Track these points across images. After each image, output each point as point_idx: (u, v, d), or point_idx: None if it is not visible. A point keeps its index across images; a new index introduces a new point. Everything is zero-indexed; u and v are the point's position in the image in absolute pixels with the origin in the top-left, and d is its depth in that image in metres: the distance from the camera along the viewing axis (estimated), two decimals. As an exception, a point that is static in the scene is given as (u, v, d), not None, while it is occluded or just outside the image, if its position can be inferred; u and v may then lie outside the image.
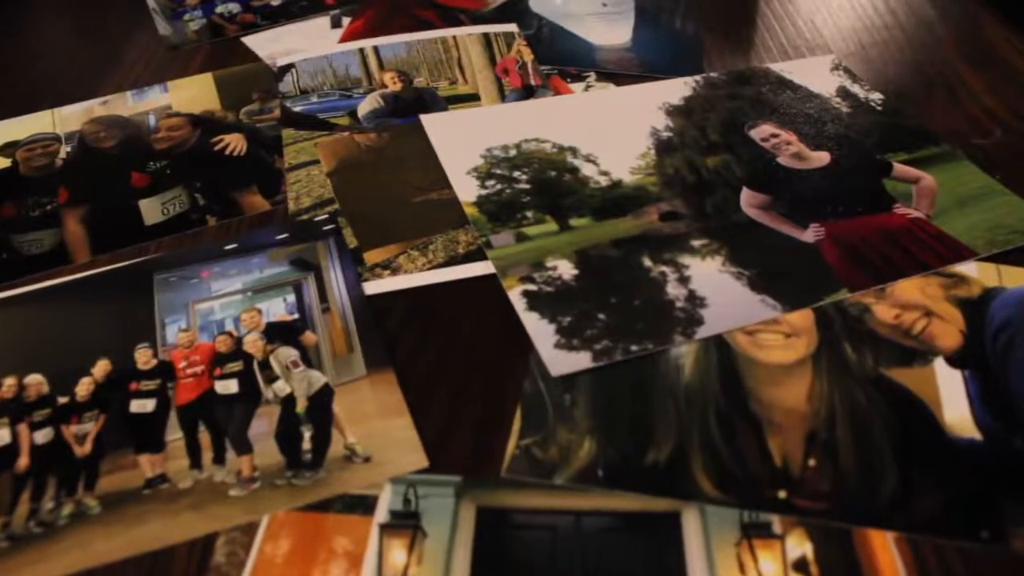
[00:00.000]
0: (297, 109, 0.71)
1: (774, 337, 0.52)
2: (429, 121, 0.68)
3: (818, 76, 0.76)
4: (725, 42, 0.81)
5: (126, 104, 0.74)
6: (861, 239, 0.58)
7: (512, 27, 0.80)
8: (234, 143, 0.68)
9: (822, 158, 0.67)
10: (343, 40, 0.79)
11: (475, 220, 0.60)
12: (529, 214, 0.61)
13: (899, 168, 0.65)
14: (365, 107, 0.70)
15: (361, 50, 0.77)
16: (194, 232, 0.61)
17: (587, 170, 0.64)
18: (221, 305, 0.55)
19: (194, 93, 0.74)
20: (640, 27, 0.82)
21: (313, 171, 0.65)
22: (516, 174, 0.64)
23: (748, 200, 0.63)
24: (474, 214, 0.60)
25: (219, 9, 0.85)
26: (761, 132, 0.69)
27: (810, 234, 0.59)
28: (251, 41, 0.81)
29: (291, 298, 0.55)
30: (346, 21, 0.83)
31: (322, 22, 0.83)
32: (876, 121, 0.70)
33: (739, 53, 0.80)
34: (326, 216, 0.61)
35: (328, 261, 0.57)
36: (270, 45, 0.80)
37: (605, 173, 0.64)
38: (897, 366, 0.50)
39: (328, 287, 0.56)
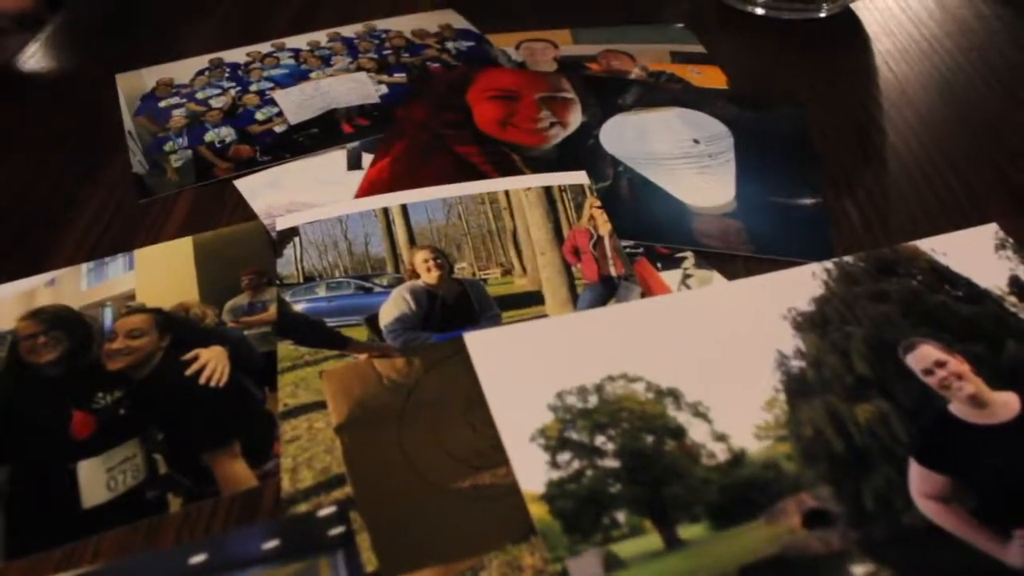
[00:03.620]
0: (299, 308, 0.53)
1: None
2: (476, 343, 0.50)
3: (980, 259, 0.57)
4: (851, 199, 0.62)
5: (78, 287, 0.56)
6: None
7: (582, 177, 0.61)
8: (212, 366, 0.50)
9: (1008, 404, 0.48)
10: (363, 190, 0.61)
11: (545, 530, 0.42)
12: (620, 517, 0.42)
13: None
14: (390, 311, 0.52)
15: (386, 212, 0.59)
16: (149, 522, 0.44)
17: (696, 431, 0.46)
18: None
19: (166, 272, 0.56)
20: (744, 177, 0.63)
21: (317, 421, 0.47)
22: (599, 440, 0.45)
23: (920, 486, 0.45)
24: (543, 517, 0.42)
25: (209, 136, 0.67)
26: (922, 359, 0.51)
27: (1016, 551, 0.41)
28: (246, 186, 0.63)
29: None
30: (367, 159, 0.64)
31: (337, 158, 0.65)
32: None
33: (874, 218, 0.61)
34: (333, 510, 0.43)
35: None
36: (269, 194, 0.62)
37: (721, 438, 0.46)
38: None
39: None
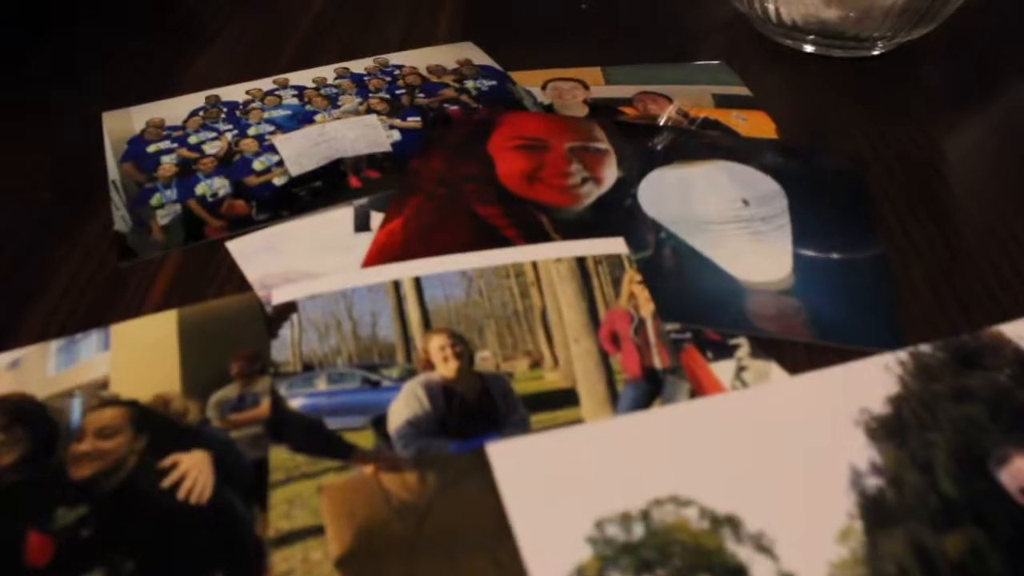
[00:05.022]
0: (295, 405, 0.46)
1: None
2: (501, 456, 0.42)
3: (1082, 348, 0.49)
4: (921, 271, 0.55)
5: (45, 371, 0.49)
6: None
7: (620, 246, 0.54)
8: (193, 476, 0.43)
9: None
10: (371, 257, 0.54)
11: None
12: None
13: None
14: (400, 411, 0.45)
15: (396, 286, 0.52)
16: None
17: (760, 570, 0.39)
18: None
19: (146, 354, 0.49)
20: (800, 245, 0.56)
21: (314, 551, 0.40)
22: (648, 585, 0.38)
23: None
24: None
25: (200, 188, 0.60)
26: (1017, 476, 0.43)
27: None
28: (238, 249, 0.56)
29: None
30: (377, 219, 0.57)
31: (343, 218, 0.58)
32: None
33: (949, 296, 0.53)
34: (330, 675, 0.35)
35: None
36: (264, 260, 0.55)
37: (791, 580, 0.38)
38: None
39: None
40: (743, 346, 0.49)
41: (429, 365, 0.47)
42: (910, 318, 0.52)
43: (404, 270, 0.53)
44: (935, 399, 0.47)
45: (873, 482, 0.43)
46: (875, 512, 0.42)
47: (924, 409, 0.47)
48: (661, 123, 0.65)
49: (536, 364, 0.48)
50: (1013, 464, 0.44)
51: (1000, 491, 0.42)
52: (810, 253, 0.56)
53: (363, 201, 0.59)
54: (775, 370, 0.49)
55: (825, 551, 0.40)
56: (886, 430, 0.46)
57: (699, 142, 0.64)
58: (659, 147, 0.63)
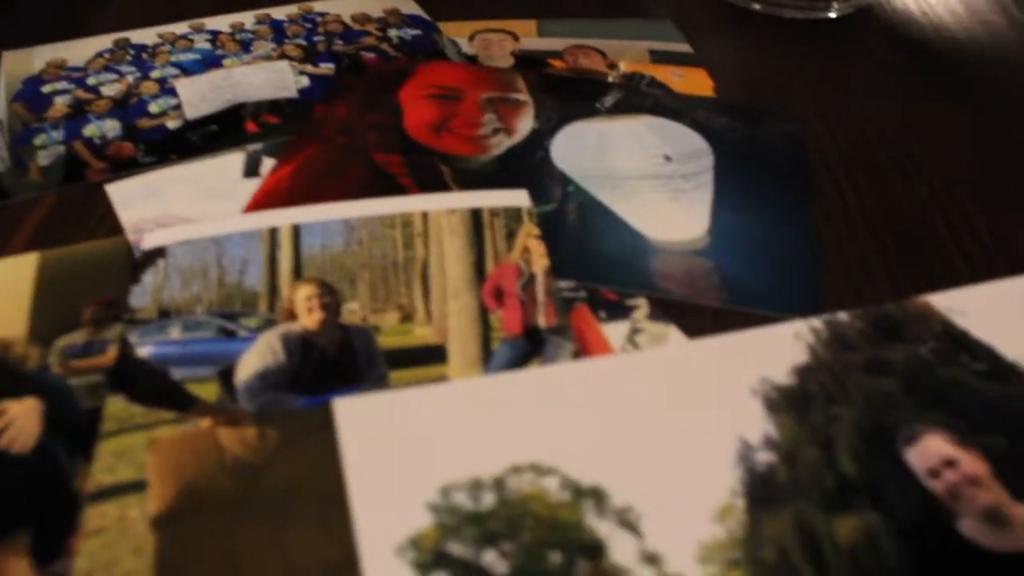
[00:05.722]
0: (144, 353, 0.42)
1: None
2: (348, 414, 0.38)
3: (1009, 322, 0.45)
4: (852, 240, 0.51)
5: None
6: None
7: (521, 199, 0.50)
8: (18, 429, 0.39)
9: (1043, 526, 0.37)
10: (254, 203, 0.50)
11: None
12: (503, 676, 0.31)
13: None
14: (251, 363, 0.41)
15: (272, 233, 0.48)
16: None
17: (620, 549, 0.35)
18: None
19: (-4, 297, 0.46)
20: (722, 206, 0.51)
21: (131, 509, 0.36)
22: (488, 558, 0.34)
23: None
24: (396, 671, 0.31)
25: (89, 130, 0.56)
26: (927, 455, 0.39)
27: None
28: (118, 193, 0.52)
29: None
30: (269, 165, 0.53)
31: (233, 163, 0.54)
32: None
33: (879, 266, 0.49)
34: (122, 645, 0.32)
35: None
36: (144, 204, 0.51)
37: (652, 559, 0.35)
38: None
39: None
40: (641, 307, 0.45)
41: (292, 316, 0.43)
42: (835, 287, 0.48)
43: (283, 217, 0.49)
44: (847, 370, 0.43)
45: (764, 457, 0.39)
46: (761, 490, 0.38)
47: (833, 381, 0.43)
48: (610, 80, 0.61)
49: (407, 318, 0.44)
50: (923, 443, 0.40)
51: (905, 472, 0.38)
52: (732, 214, 0.51)
53: (258, 147, 0.55)
54: (674, 334, 0.45)
55: (698, 530, 0.36)
56: (787, 402, 0.42)
57: (630, 97, 0.60)
58: (585, 102, 0.58)
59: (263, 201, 0.50)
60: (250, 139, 0.56)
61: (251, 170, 0.53)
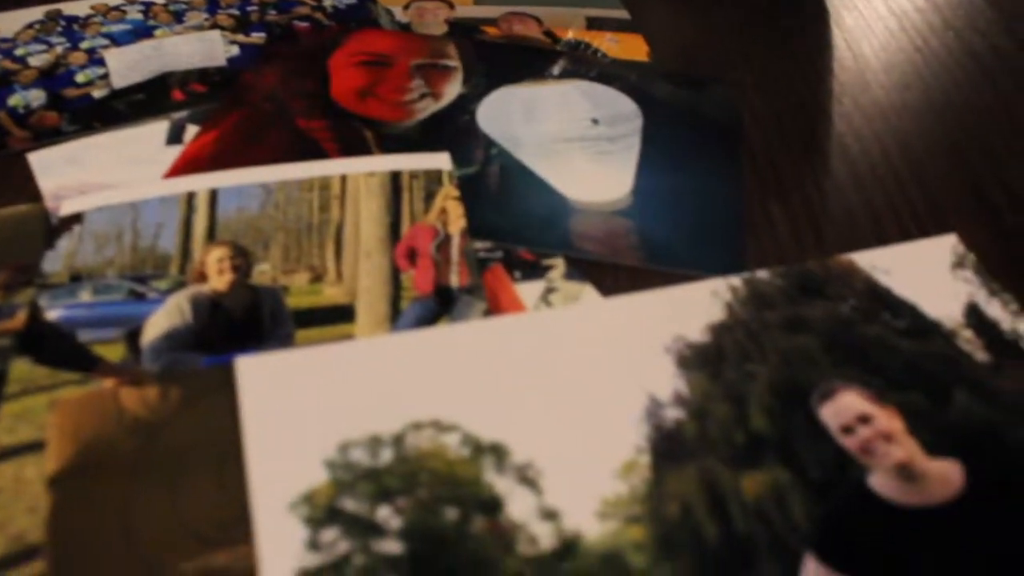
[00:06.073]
0: (53, 316, 0.42)
1: None
2: (249, 372, 0.38)
3: (932, 280, 0.45)
4: (781, 203, 0.50)
5: None
6: None
7: (442, 161, 0.49)
8: (-82, 391, 0.39)
9: (947, 478, 0.37)
10: (174, 169, 0.50)
11: (279, 642, 0.30)
12: (389, 627, 0.31)
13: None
14: (159, 324, 0.41)
15: (190, 197, 0.47)
16: None
17: (518, 505, 0.35)
18: None
19: (-93, 265, 0.45)
20: (647, 168, 0.51)
21: (28, 467, 0.36)
22: (382, 514, 0.34)
23: (816, 588, 0.34)
24: (281, 622, 0.31)
25: (14, 100, 0.56)
26: (841, 411, 0.39)
27: None
28: (39, 161, 0.52)
29: None
30: (192, 133, 0.53)
31: (157, 132, 0.53)
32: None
33: (808, 228, 0.49)
34: (11, 599, 0.32)
35: None
36: (65, 171, 0.51)
37: (551, 515, 0.34)
38: None
39: None
40: (558, 267, 0.45)
41: (202, 278, 0.43)
42: (761, 249, 0.48)
43: (201, 182, 0.48)
44: (764, 328, 0.43)
45: (673, 414, 0.39)
46: (668, 446, 0.38)
47: (749, 338, 0.43)
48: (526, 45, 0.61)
49: (317, 278, 0.43)
50: (839, 400, 0.40)
51: (818, 429, 0.38)
52: (658, 176, 0.51)
53: (183, 114, 0.54)
54: (589, 292, 0.44)
55: (600, 486, 0.36)
56: (701, 359, 0.42)
57: (561, 63, 0.60)
58: (514, 69, 0.58)
59: (184, 167, 0.50)
60: (176, 107, 0.55)
61: (175, 138, 0.53)
